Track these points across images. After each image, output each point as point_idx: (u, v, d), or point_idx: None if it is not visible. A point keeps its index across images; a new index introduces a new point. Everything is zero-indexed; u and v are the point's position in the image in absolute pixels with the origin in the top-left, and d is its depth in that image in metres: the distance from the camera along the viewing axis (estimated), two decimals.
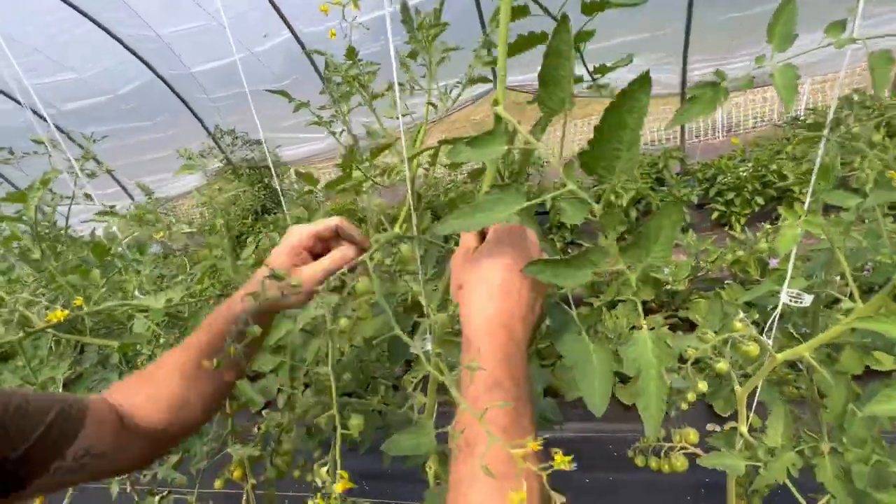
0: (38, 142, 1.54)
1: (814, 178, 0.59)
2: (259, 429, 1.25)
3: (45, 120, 4.18)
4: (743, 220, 3.32)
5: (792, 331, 0.81)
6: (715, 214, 3.44)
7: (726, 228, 3.45)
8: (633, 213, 3.45)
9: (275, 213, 5.03)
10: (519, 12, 0.59)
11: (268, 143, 5.03)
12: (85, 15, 3.57)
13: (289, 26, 3.77)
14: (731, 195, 3.29)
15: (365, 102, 0.86)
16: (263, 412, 1.22)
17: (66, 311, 0.66)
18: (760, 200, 3.22)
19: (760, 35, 0.54)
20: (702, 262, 2.47)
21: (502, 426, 0.37)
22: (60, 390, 1.13)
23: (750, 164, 3.26)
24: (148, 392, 0.58)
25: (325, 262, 0.59)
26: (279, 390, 1.14)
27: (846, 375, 0.63)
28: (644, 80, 0.38)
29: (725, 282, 2.52)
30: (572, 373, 0.51)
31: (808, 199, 0.61)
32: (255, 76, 4.23)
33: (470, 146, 0.49)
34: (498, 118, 0.50)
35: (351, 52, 0.83)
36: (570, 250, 3.65)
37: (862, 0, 0.52)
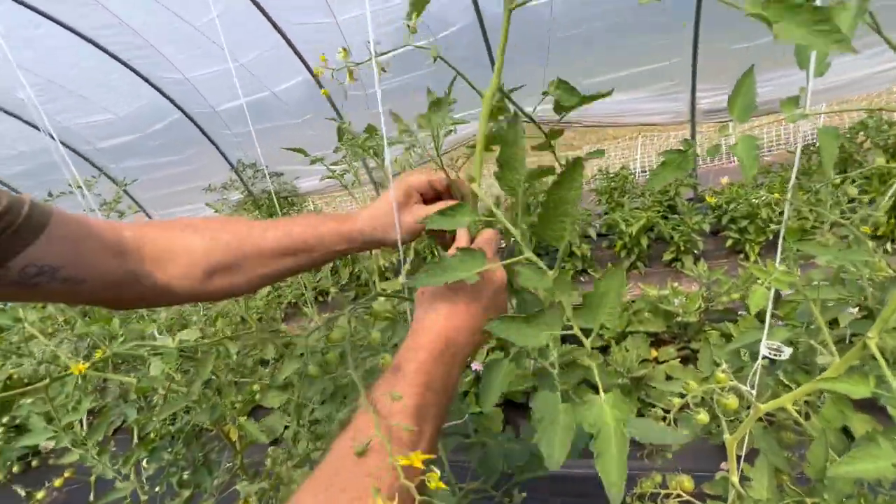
0: (78, 186, 1.67)
1: (782, 234, 0.62)
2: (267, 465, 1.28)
3: (83, 157, 4.46)
4: (758, 248, 3.28)
5: (782, 378, 0.81)
6: (729, 242, 3.40)
7: (741, 256, 3.40)
8: (645, 241, 3.44)
9: None
10: (497, 112, 0.65)
11: (286, 175, 5.23)
12: (120, 61, 3.84)
13: (306, 66, 3.97)
14: (744, 223, 3.26)
15: (378, 165, 0.93)
16: (269, 449, 1.25)
17: (87, 365, 0.72)
18: (775, 228, 3.18)
19: (768, 64, 0.57)
20: (713, 292, 2.45)
21: (404, 440, 0.38)
22: (85, 422, 1.19)
23: (762, 192, 3.24)
24: (186, 240, 0.56)
25: (436, 208, 0.61)
26: (286, 427, 1.18)
27: (828, 429, 0.63)
28: (577, 165, 0.43)
29: (739, 313, 2.48)
30: (539, 426, 0.54)
31: (778, 255, 0.63)
32: (276, 112, 4.44)
33: (442, 216, 0.54)
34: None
35: (371, 129, 0.90)
36: (581, 279, 3.64)
37: (811, 82, 0.56)
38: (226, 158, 5.07)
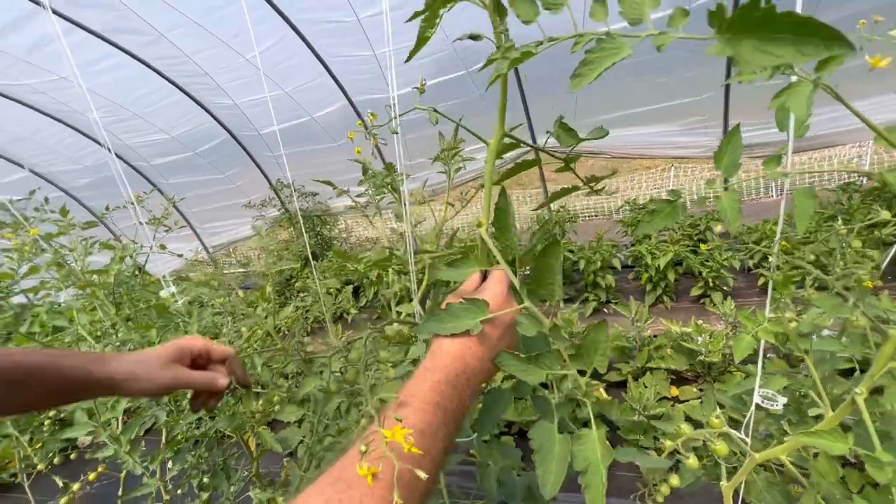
0: (133, 201, 1.83)
1: (770, 289, 0.64)
2: (281, 476, 1.34)
3: (139, 172, 4.82)
4: (792, 287, 3.15)
5: (784, 426, 0.81)
6: (761, 280, 3.30)
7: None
8: (672, 275, 3.38)
9: (322, 259, 5.35)
10: (507, 148, 0.70)
11: (322, 195, 5.46)
12: (179, 88, 4.19)
13: (345, 94, 4.20)
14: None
15: (396, 201, 1.00)
16: (284, 460, 1.32)
17: None
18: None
19: None
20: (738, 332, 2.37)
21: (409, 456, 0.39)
22: (121, 420, 1.29)
23: (796, 232, 3.13)
24: None
25: (197, 375, 0.63)
26: (301, 441, 1.24)
27: (820, 483, 0.64)
28: (556, 244, 0.49)
29: (768, 356, 2.39)
30: (536, 455, 0.58)
31: (767, 305, 0.66)
32: (315, 136, 4.69)
33: (449, 267, 0.60)
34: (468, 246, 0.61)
35: (389, 167, 0.99)
36: (605, 310, 3.60)
37: (791, 141, 0.59)
38: (266, 178, 5.36)
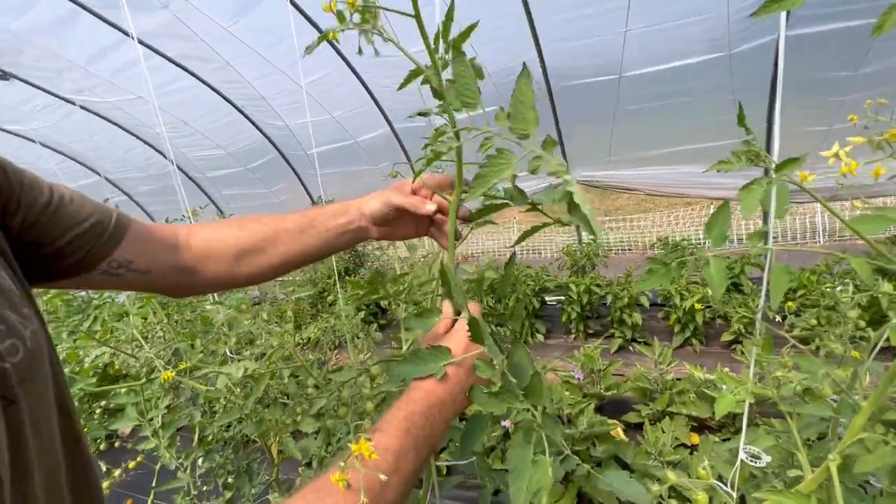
0: (194, 212, 2.01)
1: (754, 350, 0.69)
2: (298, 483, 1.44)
3: (195, 183, 5.21)
4: (836, 341, 3.01)
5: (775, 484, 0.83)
6: (795, 332, 3.17)
7: (814, 346, 3.14)
8: (700, 318, 3.30)
9: (354, 275, 5.53)
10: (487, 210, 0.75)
11: None
12: (238, 109, 4.55)
13: (388, 122, 4.43)
14: (812, 319, 3.03)
15: None
16: (300, 469, 1.41)
17: (173, 373, 0.94)
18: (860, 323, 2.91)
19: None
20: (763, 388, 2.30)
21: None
22: (160, 417, 1.43)
23: (836, 283, 3.02)
24: (226, 230, 0.67)
25: (406, 199, 0.69)
26: (317, 450, 1.34)
27: None
28: (519, 308, 0.57)
29: (798, 413, 2.30)
30: (511, 475, 0.63)
31: (751, 368, 0.70)
32: (358, 158, 4.94)
33: (417, 317, 0.68)
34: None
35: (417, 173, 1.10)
36: (630, 348, 3.54)
37: (772, 223, 0.65)
38: (308, 194, 5.66)
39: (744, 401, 0.68)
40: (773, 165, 0.68)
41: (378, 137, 4.67)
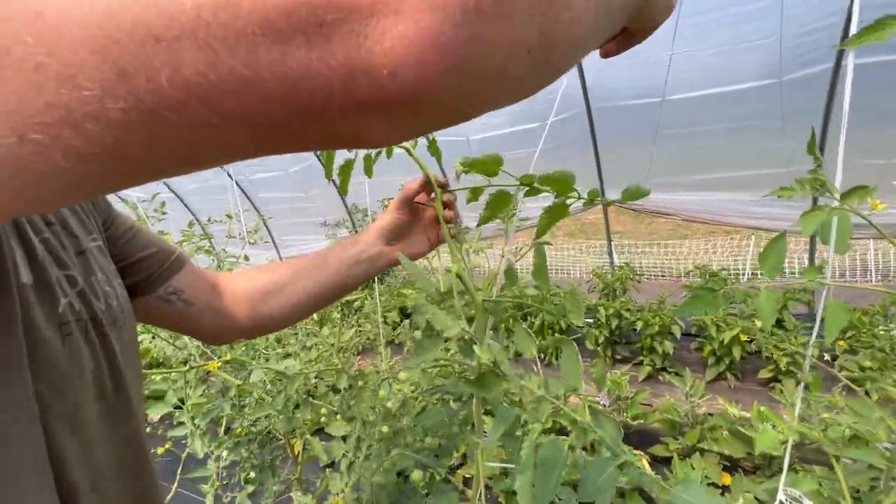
0: (229, 216, 2.11)
1: (802, 384, 0.66)
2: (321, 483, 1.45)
3: (237, 185, 5.39)
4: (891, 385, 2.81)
5: None
6: (845, 373, 2.98)
7: (864, 390, 2.94)
8: (737, 352, 3.16)
9: (383, 282, 5.60)
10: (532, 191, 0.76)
11: None
12: None
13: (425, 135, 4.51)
14: (866, 361, 2.85)
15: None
16: (327, 471, 1.43)
17: (219, 364, 0.98)
18: None
19: None
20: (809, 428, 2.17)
21: None
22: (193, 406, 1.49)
23: (891, 325, 2.83)
24: (251, 275, 0.70)
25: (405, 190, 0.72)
26: (343, 454, 1.35)
27: None
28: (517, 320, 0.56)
29: (843, 458, 2.16)
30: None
31: (797, 404, 0.67)
32: (391, 168, 5.03)
33: (416, 353, 0.68)
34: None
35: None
36: (659, 377, 3.42)
37: (832, 255, 0.63)
38: (343, 201, 5.79)
39: (787, 440, 0.65)
40: (838, 195, 0.66)
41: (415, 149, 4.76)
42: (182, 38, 0.17)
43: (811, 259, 4.25)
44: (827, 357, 3.11)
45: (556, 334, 3.95)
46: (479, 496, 0.74)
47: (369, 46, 0.17)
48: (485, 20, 0.17)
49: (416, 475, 1.11)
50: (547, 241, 0.76)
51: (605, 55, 0.36)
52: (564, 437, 0.61)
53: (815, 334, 0.83)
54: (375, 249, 0.71)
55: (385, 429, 0.93)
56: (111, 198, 0.61)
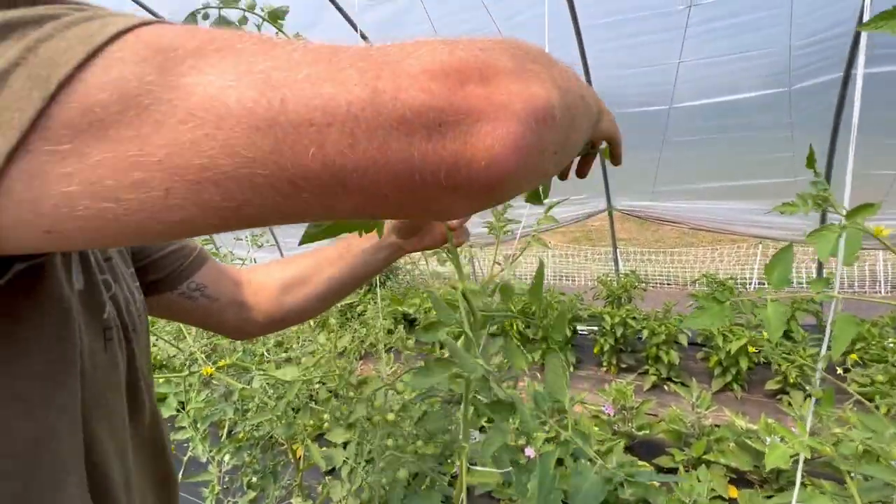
0: None
1: (809, 415, 0.65)
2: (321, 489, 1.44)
3: None
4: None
5: None
6: (854, 386, 2.93)
7: (872, 405, 2.89)
8: (744, 363, 3.12)
9: (383, 287, 5.59)
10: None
11: None
12: None
13: None
14: (879, 375, 2.81)
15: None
16: (327, 478, 1.42)
17: (213, 369, 0.97)
18: None
19: None
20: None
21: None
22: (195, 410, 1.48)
23: None
24: (273, 268, 0.70)
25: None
26: (344, 461, 1.34)
27: None
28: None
29: (852, 475, 2.12)
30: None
31: (808, 419, 0.65)
32: None
33: (419, 375, 0.67)
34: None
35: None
36: (664, 387, 3.38)
37: (840, 268, 0.61)
38: None
39: (797, 455, 0.63)
40: (844, 212, 0.64)
41: None
42: (332, 125, 0.21)
43: (819, 270, 4.20)
44: (839, 370, 3.07)
45: (557, 342, 3.93)
46: (462, 502, 0.73)
47: (473, 143, 0.23)
48: (545, 130, 0.25)
49: (402, 473, 1.09)
50: (545, 242, 0.76)
51: (581, 176, 0.55)
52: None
53: (824, 347, 0.82)
54: (394, 238, 0.72)
55: (389, 441, 0.92)
56: None
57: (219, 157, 0.21)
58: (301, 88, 0.21)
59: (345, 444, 1.28)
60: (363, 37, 3.50)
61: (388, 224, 0.73)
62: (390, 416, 0.91)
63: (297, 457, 1.53)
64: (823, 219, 3.48)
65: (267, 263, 0.74)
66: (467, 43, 0.24)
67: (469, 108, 0.23)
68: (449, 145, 0.23)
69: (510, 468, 0.63)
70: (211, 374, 1.06)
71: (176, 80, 0.21)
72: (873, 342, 2.87)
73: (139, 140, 0.20)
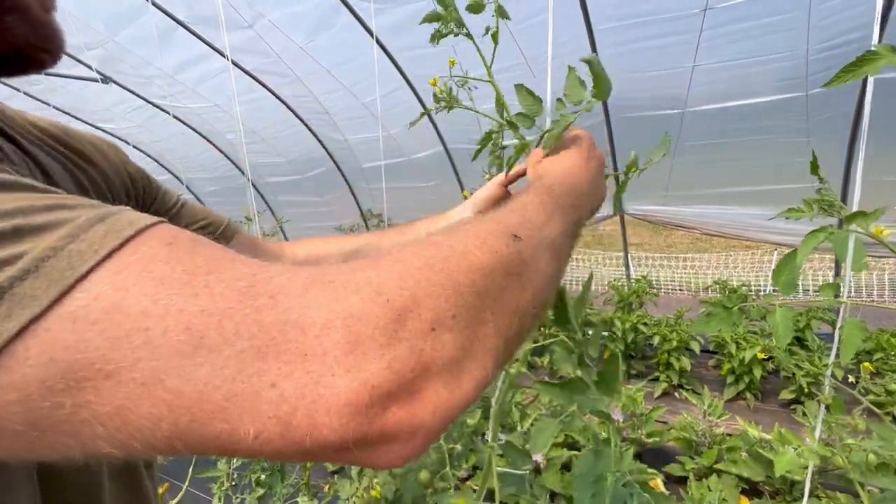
0: (248, 218, 2.14)
1: (822, 408, 0.64)
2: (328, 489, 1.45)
3: (255, 187, 5.50)
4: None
5: None
6: (871, 396, 2.87)
7: (889, 418, 2.82)
8: (758, 371, 3.07)
9: None
10: None
11: None
12: (303, 121, 4.82)
13: (442, 142, 4.53)
14: (893, 385, 2.74)
15: None
16: (335, 476, 1.42)
17: None
18: None
19: None
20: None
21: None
22: None
23: None
24: (325, 241, 0.69)
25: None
26: None
27: None
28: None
29: (868, 488, 2.07)
30: (576, 480, 0.59)
31: (817, 427, 0.64)
32: (410, 175, 5.07)
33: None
34: None
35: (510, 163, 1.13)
36: (675, 394, 3.34)
37: (849, 274, 0.60)
38: (358, 206, 5.85)
39: (808, 464, 0.62)
40: (843, 214, 0.63)
41: (432, 157, 4.78)
42: (237, 452, 0.22)
43: (837, 275, 4.12)
44: (851, 379, 3.00)
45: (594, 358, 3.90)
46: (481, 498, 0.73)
47: (380, 455, 0.24)
48: (477, 391, 0.27)
49: (424, 475, 1.10)
50: None
51: None
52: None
53: (832, 355, 0.80)
54: (468, 214, 0.71)
55: None
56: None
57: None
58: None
59: None
60: (378, 43, 3.52)
61: (468, 202, 0.73)
62: None
63: None
64: (840, 225, 3.42)
65: (314, 239, 0.71)
66: (429, 303, 0.25)
67: (382, 436, 0.23)
68: (358, 455, 0.23)
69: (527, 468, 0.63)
70: None
71: None
72: (892, 353, 2.80)
73: None
